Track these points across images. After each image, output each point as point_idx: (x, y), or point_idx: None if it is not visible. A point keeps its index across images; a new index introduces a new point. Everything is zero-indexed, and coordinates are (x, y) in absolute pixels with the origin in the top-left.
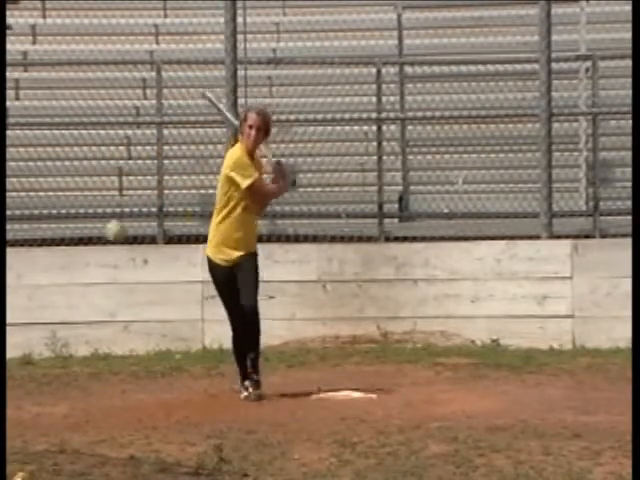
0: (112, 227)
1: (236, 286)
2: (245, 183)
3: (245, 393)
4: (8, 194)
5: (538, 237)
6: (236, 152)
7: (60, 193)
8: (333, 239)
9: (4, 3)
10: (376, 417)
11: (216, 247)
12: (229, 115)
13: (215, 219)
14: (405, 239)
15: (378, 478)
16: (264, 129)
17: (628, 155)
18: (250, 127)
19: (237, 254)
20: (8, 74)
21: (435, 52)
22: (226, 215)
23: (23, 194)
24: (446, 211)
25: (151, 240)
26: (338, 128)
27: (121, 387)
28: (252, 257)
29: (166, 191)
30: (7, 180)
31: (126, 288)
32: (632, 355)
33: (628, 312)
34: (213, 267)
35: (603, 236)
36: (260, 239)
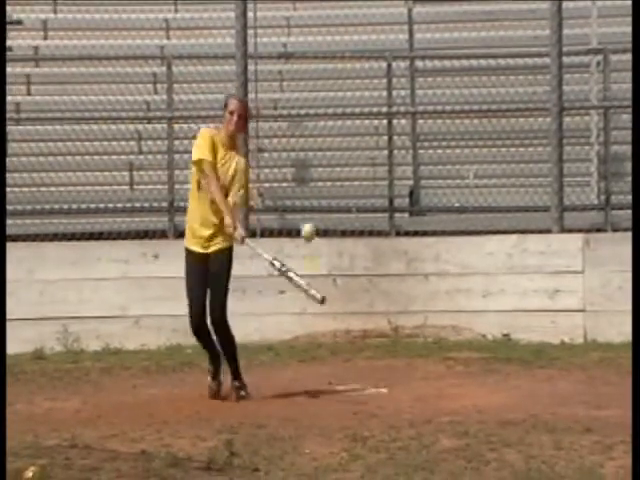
0: (307, 229)
1: (206, 276)
2: (193, 157)
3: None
4: (19, 189)
5: (549, 231)
6: (205, 131)
7: (71, 188)
8: (344, 234)
9: (4, 3)
10: (387, 411)
11: (187, 230)
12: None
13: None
14: (416, 233)
15: (389, 472)
16: (244, 117)
17: None
18: (231, 113)
19: (209, 241)
20: (19, 69)
21: (446, 46)
22: (192, 195)
23: (34, 189)
24: (457, 205)
25: (162, 235)
26: (349, 122)
27: (132, 382)
28: (226, 252)
29: (177, 186)
30: (18, 175)
31: (137, 283)
32: (632, 357)
33: None
34: (186, 254)
35: (615, 230)
36: (271, 234)
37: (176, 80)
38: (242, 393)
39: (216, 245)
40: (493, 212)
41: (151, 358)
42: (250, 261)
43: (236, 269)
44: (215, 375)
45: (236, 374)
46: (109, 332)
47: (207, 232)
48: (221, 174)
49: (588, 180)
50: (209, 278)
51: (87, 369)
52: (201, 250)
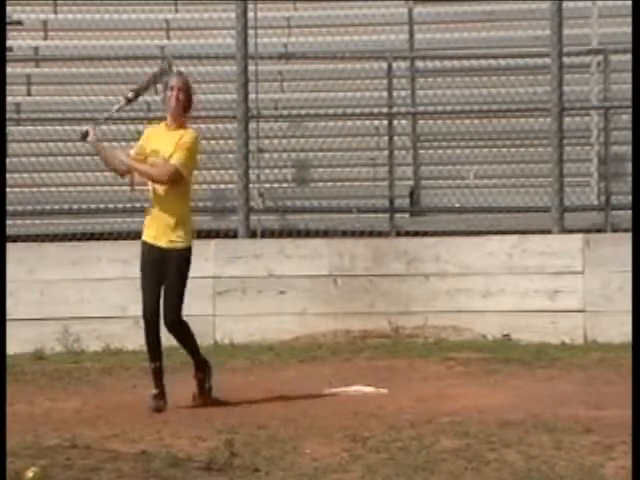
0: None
1: (161, 274)
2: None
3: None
4: (19, 189)
5: (549, 232)
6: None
7: (72, 188)
8: (344, 234)
9: (4, 3)
10: (387, 412)
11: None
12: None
13: None
14: (416, 234)
15: (389, 473)
16: (184, 90)
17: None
18: (172, 88)
19: (162, 241)
20: (19, 70)
21: (446, 46)
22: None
23: (35, 189)
24: (457, 206)
25: None
26: (349, 123)
27: (132, 382)
28: (182, 254)
29: None
30: (18, 175)
31: (137, 283)
32: (632, 357)
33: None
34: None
35: (615, 230)
36: (271, 234)
37: None
38: (205, 386)
39: (171, 243)
40: (493, 212)
41: None
42: (251, 261)
43: (236, 269)
44: (157, 387)
45: (198, 365)
46: (109, 332)
47: (160, 223)
48: (159, 154)
49: (588, 180)
50: (165, 278)
51: (87, 369)
52: (153, 242)
